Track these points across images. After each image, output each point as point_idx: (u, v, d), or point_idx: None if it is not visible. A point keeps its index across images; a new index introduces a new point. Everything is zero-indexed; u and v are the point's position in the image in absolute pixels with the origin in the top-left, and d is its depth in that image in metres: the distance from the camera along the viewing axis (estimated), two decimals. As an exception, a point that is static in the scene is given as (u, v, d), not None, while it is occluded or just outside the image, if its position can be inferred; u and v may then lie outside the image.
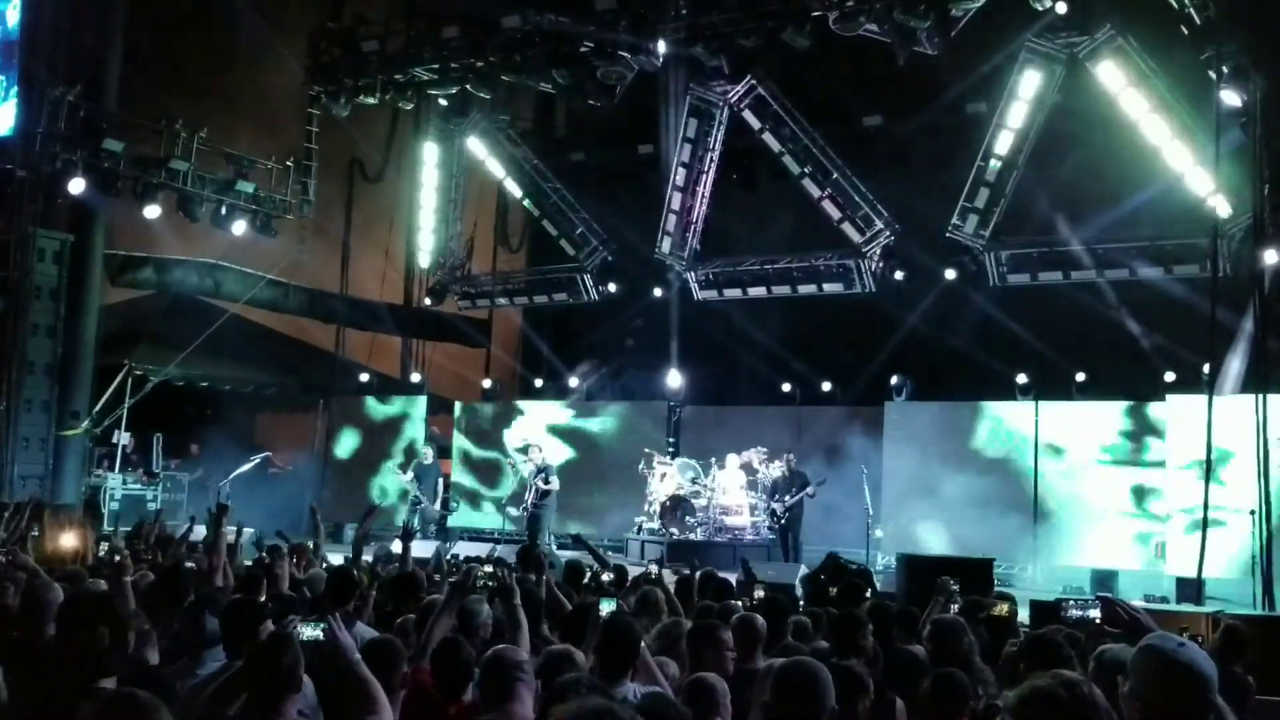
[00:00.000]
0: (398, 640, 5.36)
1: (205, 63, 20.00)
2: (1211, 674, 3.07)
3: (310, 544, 10.74)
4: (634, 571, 10.12)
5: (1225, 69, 13.70)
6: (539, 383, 23.10)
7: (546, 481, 17.21)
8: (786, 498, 16.58)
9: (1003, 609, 7.10)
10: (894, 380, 18.53)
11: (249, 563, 9.46)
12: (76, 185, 17.50)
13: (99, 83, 18.18)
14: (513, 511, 18.05)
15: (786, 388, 20.47)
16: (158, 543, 10.92)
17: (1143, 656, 3.13)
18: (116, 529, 14.96)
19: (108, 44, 18.44)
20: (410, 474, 18.37)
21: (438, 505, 18.58)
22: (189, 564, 8.76)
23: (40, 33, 17.71)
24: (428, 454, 18.89)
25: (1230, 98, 14.03)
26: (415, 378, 23.07)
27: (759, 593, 8.01)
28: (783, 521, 16.60)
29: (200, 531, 10.57)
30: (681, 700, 4.34)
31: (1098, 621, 5.89)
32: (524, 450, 18.03)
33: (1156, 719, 3.02)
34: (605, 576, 9.11)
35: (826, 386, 19.87)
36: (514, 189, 22.53)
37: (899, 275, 19.06)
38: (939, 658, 5.57)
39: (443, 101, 21.21)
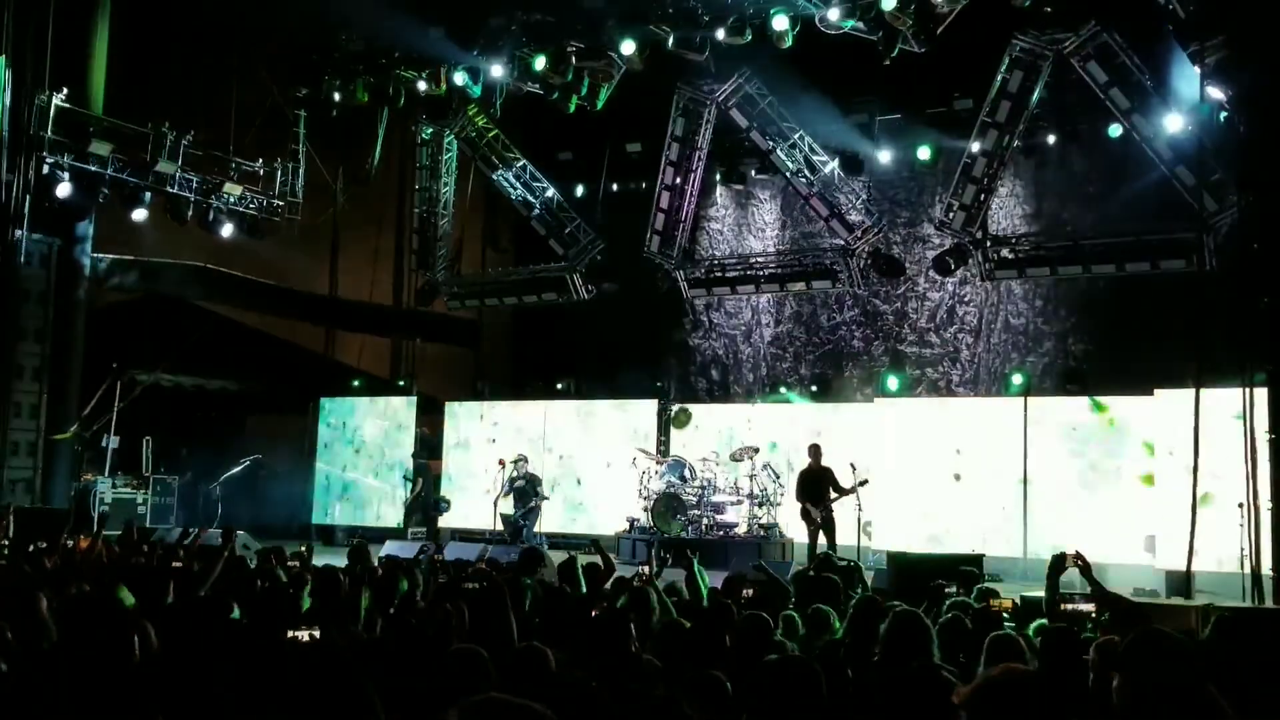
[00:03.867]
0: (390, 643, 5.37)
1: (192, 65, 19.93)
2: (1199, 659, 3.10)
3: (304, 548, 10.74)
4: (626, 571, 10.11)
5: (1210, 63, 13.76)
6: (529, 382, 23.10)
7: (538, 495, 17.30)
8: (826, 496, 15.41)
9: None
10: (883, 376, 18.61)
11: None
12: (63, 189, 17.46)
13: (85, 86, 18.13)
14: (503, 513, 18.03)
15: (776, 385, 20.54)
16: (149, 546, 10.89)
17: (1132, 639, 3.16)
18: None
19: (94, 47, 18.40)
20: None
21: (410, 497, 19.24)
22: (176, 564, 8.78)
23: (25, 36, 17.64)
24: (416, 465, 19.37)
25: (1215, 92, 14.09)
26: (405, 379, 23.07)
27: (748, 591, 8.01)
28: (821, 520, 15.49)
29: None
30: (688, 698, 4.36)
31: (1093, 616, 5.94)
32: (516, 460, 18.05)
33: (1144, 700, 3.04)
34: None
35: (816, 384, 19.93)
36: (503, 189, 22.50)
37: (886, 271, 19.12)
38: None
39: (430, 101, 21.18)
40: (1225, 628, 6.40)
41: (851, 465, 16.10)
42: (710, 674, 4.61)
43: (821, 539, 15.32)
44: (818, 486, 15.51)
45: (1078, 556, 7.11)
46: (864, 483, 15.61)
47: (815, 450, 15.88)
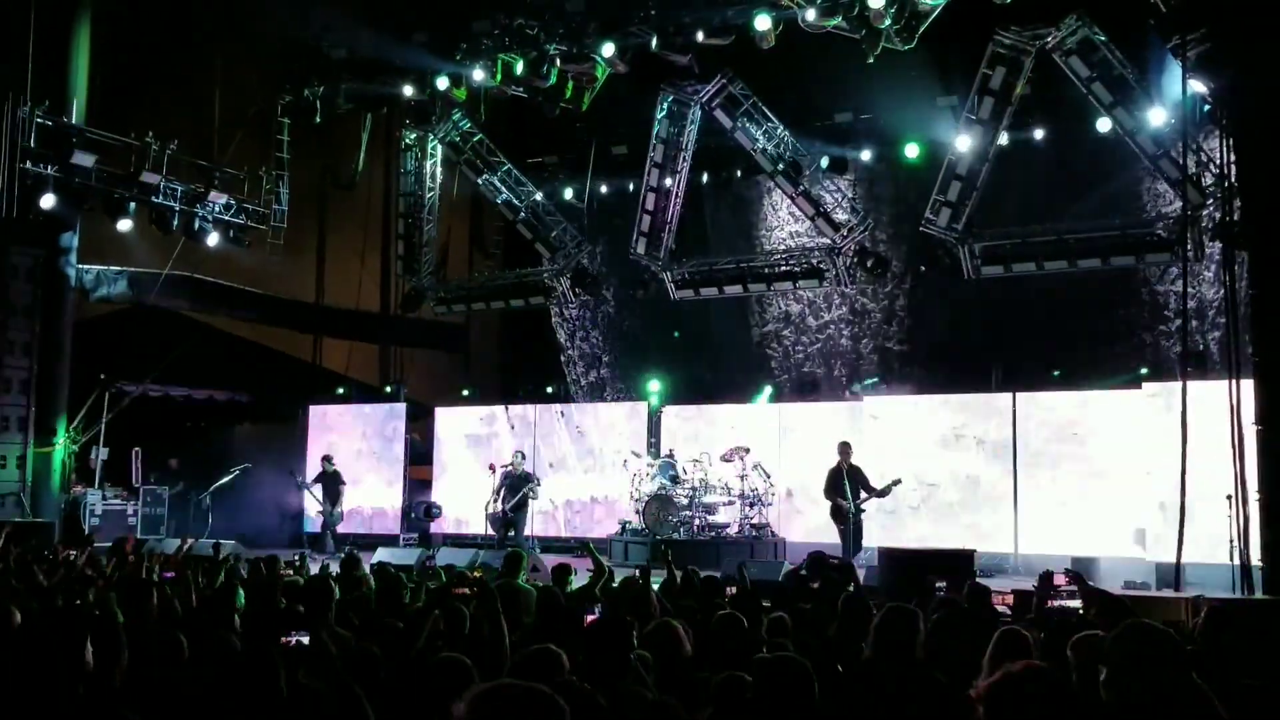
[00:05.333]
0: (375, 648, 5.39)
1: (175, 75, 19.91)
2: (1184, 650, 3.12)
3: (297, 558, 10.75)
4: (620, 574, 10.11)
5: (1191, 56, 13.80)
6: (519, 386, 23.11)
7: (533, 493, 17.26)
8: (858, 495, 15.28)
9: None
10: (871, 374, 18.64)
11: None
12: (48, 200, 17.40)
13: (67, 97, 18.08)
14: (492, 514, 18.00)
15: (765, 384, 20.58)
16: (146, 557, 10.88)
17: (1119, 629, 3.17)
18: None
19: (75, 58, 18.35)
20: (315, 484, 18.83)
21: (338, 511, 19.01)
22: (169, 574, 8.81)
23: (5, 48, 17.59)
24: (329, 465, 19.02)
25: (1197, 85, 14.13)
26: (393, 385, 23.04)
27: (731, 589, 8.04)
28: (856, 519, 15.31)
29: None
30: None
31: (1080, 613, 5.96)
32: (513, 461, 18.01)
33: (1130, 692, 3.06)
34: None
35: (804, 383, 19.97)
36: (488, 193, 22.50)
37: (873, 270, 19.14)
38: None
39: (414, 106, 21.17)
40: (1217, 618, 6.43)
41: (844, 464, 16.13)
42: (733, 675, 4.60)
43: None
44: (849, 484, 15.34)
45: (1068, 574, 7.14)
46: (897, 482, 15.52)
47: (845, 448, 15.68)
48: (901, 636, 5.47)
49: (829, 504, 15.58)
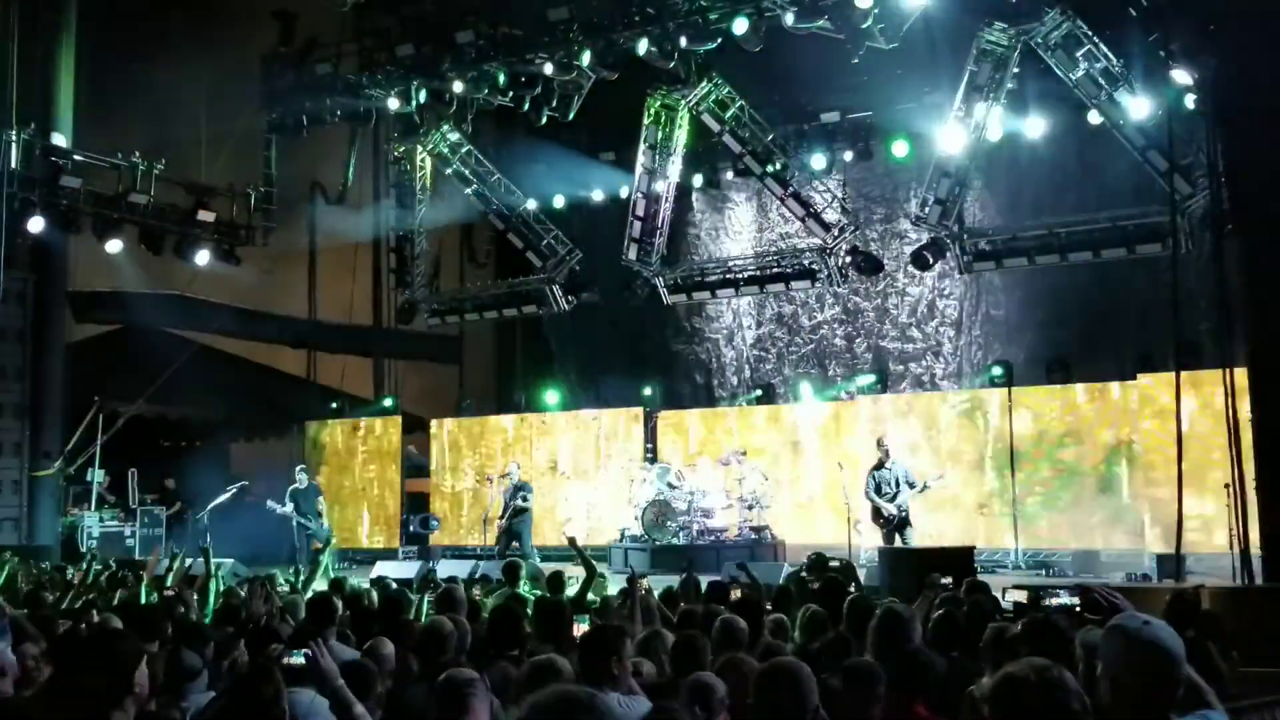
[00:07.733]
0: (370, 663, 5.39)
1: (161, 94, 19.89)
2: (1178, 649, 3.12)
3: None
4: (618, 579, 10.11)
5: (1175, 48, 13.81)
6: (514, 395, 23.10)
7: (525, 500, 17.20)
8: (901, 495, 14.66)
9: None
10: (866, 373, 18.64)
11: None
12: (36, 224, 17.37)
13: (53, 120, 18.07)
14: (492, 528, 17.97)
15: (760, 386, 20.57)
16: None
17: (1109, 637, 3.20)
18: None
19: (60, 81, 18.34)
20: (288, 501, 17.86)
21: (325, 525, 18.22)
22: (168, 591, 8.79)
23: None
24: (302, 478, 18.49)
25: (1181, 76, 14.15)
26: (389, 399, 23.00)
27: (735, 593, 8.03)
28: (900, 519, 14.71)
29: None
30: (682, 701, 4.36)
31: (1078, 609, 5.95)
32: (505, 473, 17.97)
33: (1127, 697, 3.07)
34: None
35: (799, 384, 19.96)
36: (478, 203, 22.48)
37: (865, 269, 19.14)
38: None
39: (401, 118, 21.17)
40: (1178, 606, 6.51)
41: (840, 465, 16.10)
42: (701, 676, 4.60)
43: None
44: (894, 483, 14.89)
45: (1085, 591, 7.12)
46: (940, 476, 15.37)
47: (885, 444, 15.23)
48: (899, 635, 5.49)
49: (870, 506, 14.95)
